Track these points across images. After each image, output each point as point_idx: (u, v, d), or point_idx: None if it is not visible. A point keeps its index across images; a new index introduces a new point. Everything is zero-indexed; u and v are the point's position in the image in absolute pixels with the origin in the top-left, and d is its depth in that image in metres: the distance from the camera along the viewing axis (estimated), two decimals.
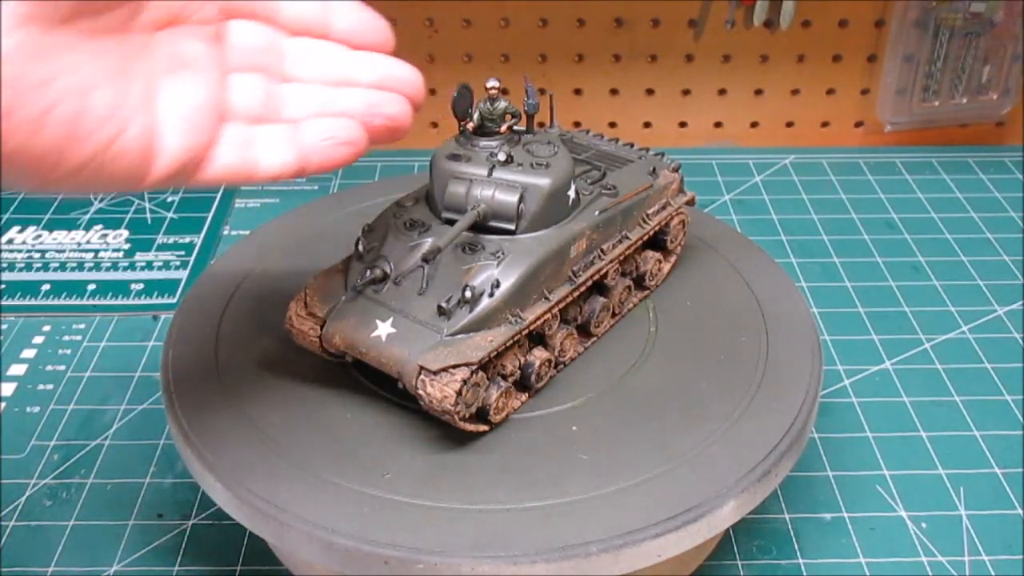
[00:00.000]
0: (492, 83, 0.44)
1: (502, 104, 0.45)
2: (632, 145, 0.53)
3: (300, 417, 0.43)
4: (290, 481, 0.39)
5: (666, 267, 0.52)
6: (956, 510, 0.49)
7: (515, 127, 0.45)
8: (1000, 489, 0.50)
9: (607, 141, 0.53)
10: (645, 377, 0.45)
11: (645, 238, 0.49)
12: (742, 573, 0.46)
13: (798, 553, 0.47)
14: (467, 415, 0.41)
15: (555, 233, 0.43)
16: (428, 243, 0.42)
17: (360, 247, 0.43)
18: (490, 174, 0.42)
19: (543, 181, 0.42)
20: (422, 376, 0.40)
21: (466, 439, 0.42)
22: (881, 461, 0.52)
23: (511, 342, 0.41)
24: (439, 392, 0.39)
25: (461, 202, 0.42)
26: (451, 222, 0.42)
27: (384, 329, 0.41)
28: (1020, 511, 0.49)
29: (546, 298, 0.43)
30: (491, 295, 0.41)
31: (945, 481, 0.51)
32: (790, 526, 0.48)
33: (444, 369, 0.39)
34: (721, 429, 0.42)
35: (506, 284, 0.41)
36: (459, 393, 0.39)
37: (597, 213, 0.45)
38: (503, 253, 0.42)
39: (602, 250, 0.46)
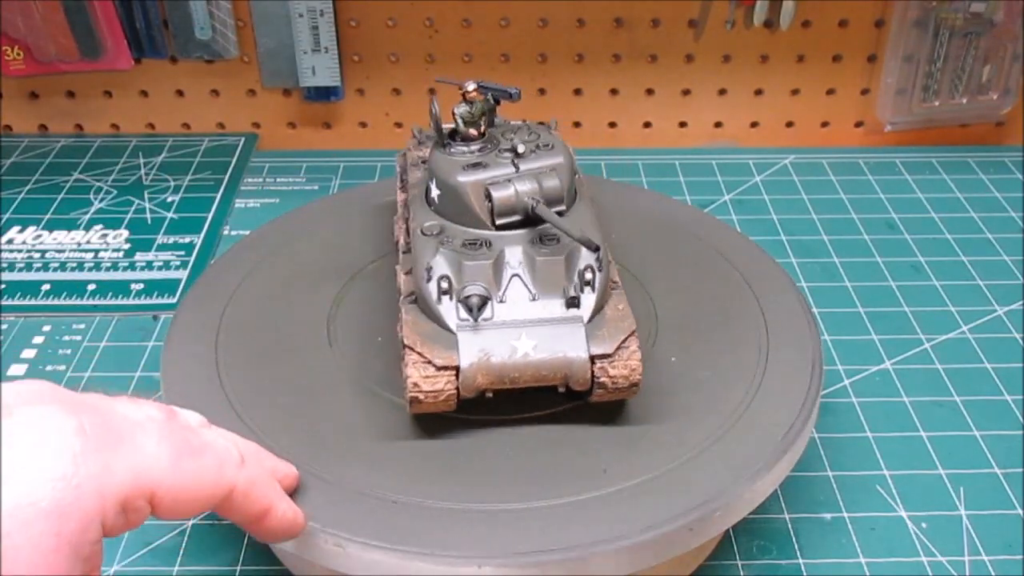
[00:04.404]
0: (472, 85, 0.44)
1: (479, 105, 0.45)
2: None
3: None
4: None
5: None
6: (956, 510, 0.49)
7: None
8: (1000, 489, 0.50)
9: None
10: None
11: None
12: (742, 573, 0.46)
13: (798, 553, 0.47)
14: None
15: (585, 203, 0.44)
16: (505, 252, 0.41)
17: (446, 283, 0.41)
18: (517, 169, 0.43)
19: (562, 159, 0.43)
20: (600, 364, 0.40)
21: (557, 441, 0.42)
22: (881, 461, 0.52)
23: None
24: (624, 369, 0.40)
25: (514, 204, 0.42)
26: (505, 227, 0.42)
27: (525, 345, 0.40)
28: (1020, 511, 0.49)
29: (610, 261, 0.44)
30: (600, 269, 0.41)
31: (945, 481, 0.50)
32: (790, 526, 0.48)
33: (619, 348, 0.40)
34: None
35: (603, 256, 0.42)
36: (641, 361, 0.40)
37: (577, 177, 0.46)
38: (578, 231, 0.42)
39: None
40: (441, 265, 0.41)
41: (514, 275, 0.41)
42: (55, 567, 0.26)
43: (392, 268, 0.51)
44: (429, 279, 0.41)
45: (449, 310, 0.41)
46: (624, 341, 0.40)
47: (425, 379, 0.39)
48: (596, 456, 0.41)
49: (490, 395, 0.41)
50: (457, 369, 0.40)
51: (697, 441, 0.41)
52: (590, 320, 0.41)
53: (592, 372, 0.40)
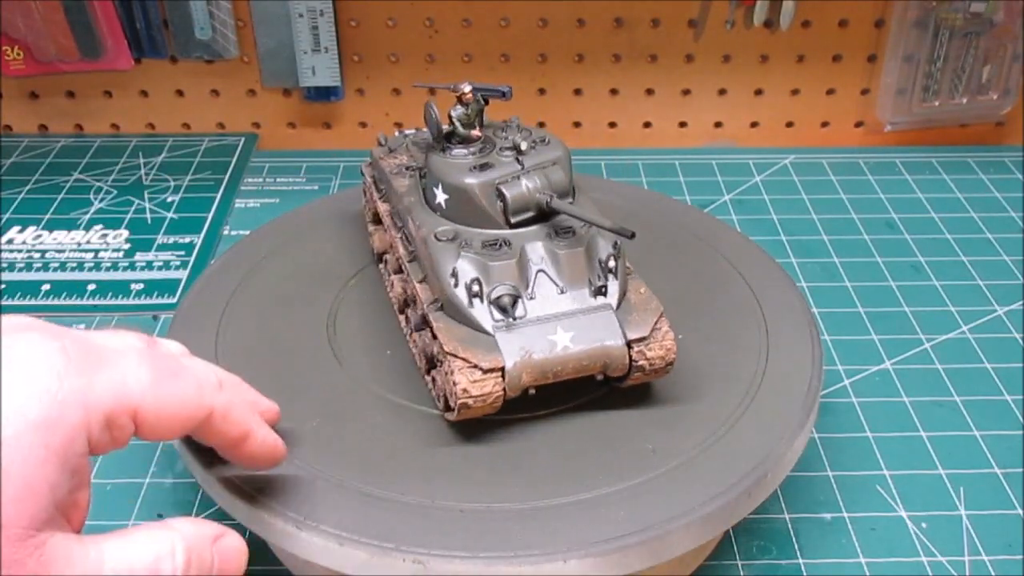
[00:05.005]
0: (467, 87, 0.44)
1: (474, 106, 0.45)
2: None
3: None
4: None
5: None
6: (956, 510, 0.49)
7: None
8: (1000, 489, 0.50)
9: None
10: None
11: None
12: (742, 573, 0.46)
13: (798, 553, 0.47)
14: None
15: (584, 194, 0.45)
16: (526, 248, 0.41)
17: (477, 287, 0.40)
18: (522, 166, 0.43)
19: (561, 152, 0.43)
20: (637, 348, 0.40)
21: (596, 429, 0.42)
22: (881, 461, 0.52)
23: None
24: (661, 350, 0.41)
25: (527, 200, 0.42)
26: (520, 224, 0.42)
27: (563, 338, 0.40)
28: (1020, 511, 0.49)
29: None
30: (618, 257, 0.42)
31: (945, 481, 0.51)
32: (790, 526, 0.48)
33: (653, 329, 0.41)
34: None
35: (620, 243, 0.42)
36: (675, 341, 0.41)
37: None
38: (610, 221, 0.42)
39: None
40: (467, 269, 0.41)
41: (539, 271, 0.41)
42: (46, 477, 0.27)
43: (379, 272, 0.52)
44: (456, 284, 0.41)
45: (482, 312, 0.40)
46: (656, 323, 0.41)
47: (473, 383, 0.39)
48: (640, 438, 0.41)
49: (532, 392, 0.41)
50: (502, 370, 0.39)
51: (726, 416, 0.43)
52: (617, 307, 0.41)
53: (630, 356, 0.41)
